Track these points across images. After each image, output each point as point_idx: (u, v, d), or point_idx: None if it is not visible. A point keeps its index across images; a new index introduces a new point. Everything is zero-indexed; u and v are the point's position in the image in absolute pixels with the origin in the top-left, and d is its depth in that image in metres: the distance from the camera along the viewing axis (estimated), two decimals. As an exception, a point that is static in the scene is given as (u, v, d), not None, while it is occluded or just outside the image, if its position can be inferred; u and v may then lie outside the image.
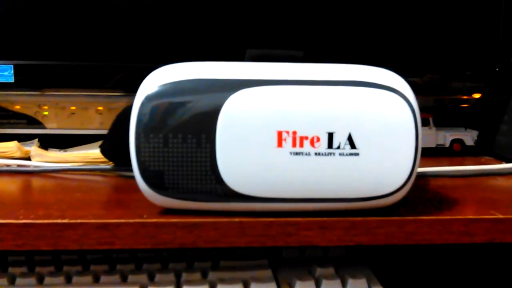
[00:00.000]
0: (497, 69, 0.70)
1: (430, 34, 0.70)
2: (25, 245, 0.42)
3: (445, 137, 0.73)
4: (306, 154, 0.41)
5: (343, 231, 0.43)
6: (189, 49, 0.66)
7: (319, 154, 0.41)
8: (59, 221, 0.42)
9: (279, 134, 0.41)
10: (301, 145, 0.41)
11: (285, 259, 0.54)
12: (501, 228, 0.44)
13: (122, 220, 0.42)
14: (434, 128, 0.73)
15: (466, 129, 0.75)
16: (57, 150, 0.66)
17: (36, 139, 0.70)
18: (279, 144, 0.41)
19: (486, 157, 0.71)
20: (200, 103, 0.41)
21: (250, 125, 0.41)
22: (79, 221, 0.42)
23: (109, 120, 0.67)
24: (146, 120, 0.41)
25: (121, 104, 0.70)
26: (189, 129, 0.41)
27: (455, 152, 0.73)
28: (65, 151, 0.66)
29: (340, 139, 0.41)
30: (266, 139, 0.41)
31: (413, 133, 0.41)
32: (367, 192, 0.42)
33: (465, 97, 0.75)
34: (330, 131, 0.41)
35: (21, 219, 0.42)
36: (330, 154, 0.41)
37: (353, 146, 0.41)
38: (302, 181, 0.42)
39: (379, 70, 0.43)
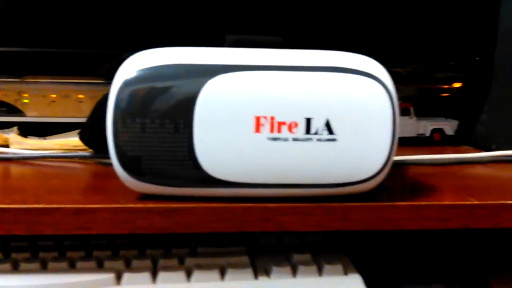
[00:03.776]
0: (477, 58, 0.70)
1: (413, 24, 0.70)
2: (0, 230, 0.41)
3: (426, 126, 0.74)
4: (284, 139, 0.41)
5: (321, 216, 0.44)
6: (170, 36, 0.65)
7: (297, 139, 0.41)
8: (34, 206, 0.41)
9: (257, 119, 0.41)
10: (279, 130, 0.41)
11: (263, 246, 0.54)
12: (476, 213, 0.45)
13: (99, 205, 0.42)
14: (415, 118, 0.73)
15: (446, 118, 0.76)
16: (36, 138, 0.66)
17: (16, 127, 0.69)
18: (257, 130, 0.41)
19: (466, 147, 0.72)
20: (178, 88, 0.41)
21: (228, 111, 0.41)
22: (55, 206, 0.42)
23: (90, 108, 0.67)
24: (124, 105, 0.41)
25: (102, 92, 0.70)
26: (167, 114, 0.41)
27: (435, 141, 0.74)
28: (45, 139, 0.66)
29: (317, 124, 0.41)
30: (244, 125, 0.41)
31: (390, 119, 0.42)
32: (344, 177, 0.42)
33: (445, 86, 0.75)
34: (308, 116, 0.41)
35: (-4, 204, 0.41)
36: (307, 139, 0.41)
37: (330, 131, 0.41)
38: (279, 167, 0.42)
39: (357, 56, 0.43)
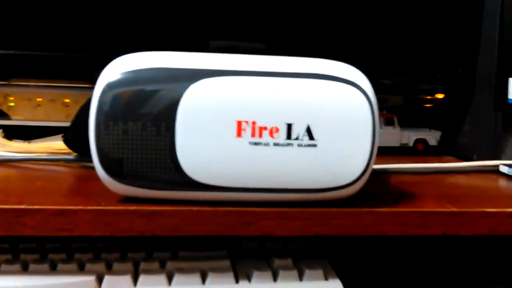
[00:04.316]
0: (460, 70, 0.71)
1: (399, 36, 0.70)
2: (-20, 230, 0.41)
3: (409, 136, 0.74)
4: (265, 144, 0.42)
5: (302, 221, 0.44)
6: (155, 40, 0.66)
7: (278, 144, 0.42)
8: (16, 206, 0.41)
9: (239, 124, 0.41)
10: (260, 135, 0.41)
11: (245, 250, 0.54)
12: (455, 221, 0.45)
13: (81, 207, 0.42)
14: (398, 128, 0.74)
15: (430, 129, 0.76)
16: (21, 141, 0.66)
17: (1, 130, 0.69)
18: (239, 134, 0.41)
19: (449, 157, 0.73)
20: (161, 91, 0.41)
21: (210, 115, 0.41)
22: (36, 207, 0.42)
23: (75, 112, 0.67)
24: (107, 107, 0.41)
25: (88, 96, 0.70)
26: (149, 117, 0.41)
27: (418, 151, 0.74)
28: (30, 142, 0.66)
29: (298, 130, 0.42)
30: (225, 129, 0.41)
31: (370, 126, 0.42)
32: (325, 183, 0.43)
33: (429, 97, 0.76)
34: (289, 122, 0.41)
35: (-23, 204, 0.41)
36: (288, 145, 0.42)
37: (311, 137, 0.42)
38: (260, 171, 0.42)
39: (338, 64, 0.43)
